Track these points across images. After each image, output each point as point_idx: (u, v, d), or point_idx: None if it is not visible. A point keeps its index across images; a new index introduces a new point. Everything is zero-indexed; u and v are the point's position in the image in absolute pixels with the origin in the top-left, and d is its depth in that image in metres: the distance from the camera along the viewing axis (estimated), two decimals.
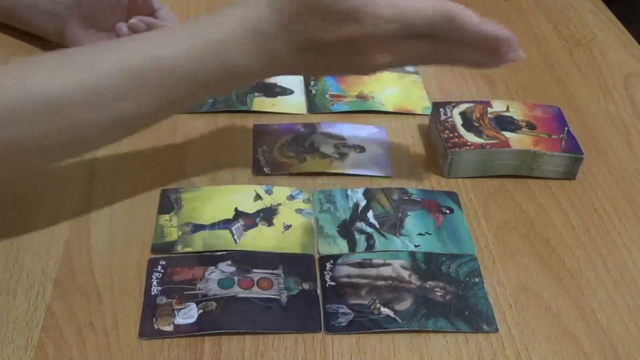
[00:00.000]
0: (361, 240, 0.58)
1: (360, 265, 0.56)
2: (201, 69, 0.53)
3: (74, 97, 0.50)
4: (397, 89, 0.76)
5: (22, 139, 0.50)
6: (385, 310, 0.52)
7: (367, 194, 0.63)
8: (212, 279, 0.54)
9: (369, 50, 0.54)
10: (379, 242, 0.58)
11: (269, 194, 0.62)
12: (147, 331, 0.50)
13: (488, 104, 0.70)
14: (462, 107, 0.69)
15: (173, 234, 0.57)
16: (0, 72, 0.51)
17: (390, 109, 0.74)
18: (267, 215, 0.60)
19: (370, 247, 0.58)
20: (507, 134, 0.66)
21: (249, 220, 0.59)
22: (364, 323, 0.52)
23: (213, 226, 0.58)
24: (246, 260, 0.56)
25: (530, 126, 0.67)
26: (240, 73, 0.54)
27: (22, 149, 0.51)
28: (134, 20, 0.67)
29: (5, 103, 0.49)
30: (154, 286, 0.53)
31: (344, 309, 0.53)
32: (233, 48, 0.53)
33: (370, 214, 0.61)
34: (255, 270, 0.55)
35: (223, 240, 0.57)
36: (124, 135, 0.57)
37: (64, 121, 0.51)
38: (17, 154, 0.51)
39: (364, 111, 0.73)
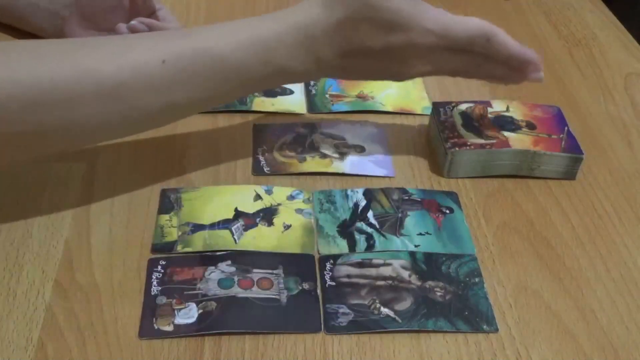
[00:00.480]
0: (361, 240, 0.58)
1: (360, 265, 0.56)
2: (247, 65, 0.55)
3: (129, 82, 0.52)
4: (397, 89, 0.76)
5: (75, 119, 0.52)
6: (385, 310, 0.52)
7: (367, 194, 0.63)
8: (212, 279, 0.54)
9: (411, 59, 0.59)
10: (379, 242, 0.58)
11: (269, 194, 0.62)
12: (147, 331, 0.50)
13: (488, 103, 0.70)
14: (462, 107, 0.69)
15: (173, 234, 0.57)
16: (53, 51, 0.52)
17: (390, 109, 0.74)
18: (267, 215, 0.60)
19: (370, 247, 0.58)
20: (507, 134, 0.66)
21: (249, 220, 0.59)
22: (364, 323, 0.52)
23: (213, 226, 0.58)
24: (246, 260, 0.56)
25: (530, 126, 0.67)
26: (284, 72, 0.57)
27: (75, 129, 0.53)
28: (134, 22, 0.68)
29: (61, 84, 0.50)
30: (154, 286, 0.53)
31: (344, 309, 0.53)
32: (278, 48, 0.56)
33: (370, 214, 0.61)
34: (255, 270, 0.55)
35: (223, 240, 0.57)
36: (170, 121, 0.61)
37: (117, 104, 0.52)
38: (70, 133, 0.53)
39: (364, 111, 0.73)
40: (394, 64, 0.59)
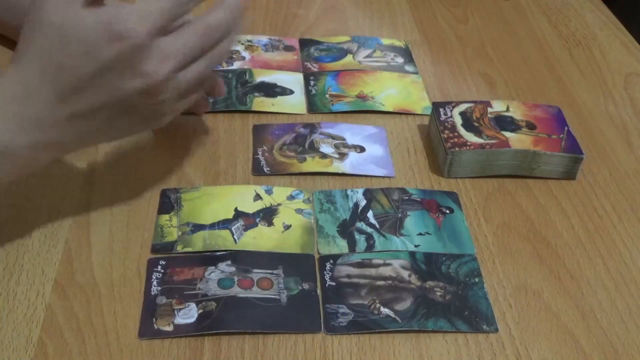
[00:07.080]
0: (361, 240, 0.58)
1: (360, 265, 0.56)
2: None
3: None
4: (397, 89, 0.76)
5: None
6: (385, 310, 0.52)
7: (367, 194, 0.63)
8: (212, 279, 0.54)
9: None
10: (379, 242, 0.58)
11: (269, 194, 0.62)
12: (147, 331, 0.50)
13: (488, 104, 0.70)
14: (462, 107, 0.69)
15: (173, 234, 0.57)
16: None
17: (390, 109, 0.74)
18: (267, 215, 0.60)
19: (370, 247, 0.58)
20: (507, 134, 0.66)
21: (248, 220, 0.59)
22: (364, 323, 0.52)
23: (213, 226, 0.58)
24: (246, 260, 0.56)
25: (530, 126, 0.67)
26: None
27: None
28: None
29: None
30: (154, 286, 0.53)
31: (344, 309, 0.53)
32: None
33: (370, 214, 0.61)
34: (255, 270, 0.55)
35: (223, 240, 0.57)
36: None
37: None
38: None
39: (364, 111, 0.73)
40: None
